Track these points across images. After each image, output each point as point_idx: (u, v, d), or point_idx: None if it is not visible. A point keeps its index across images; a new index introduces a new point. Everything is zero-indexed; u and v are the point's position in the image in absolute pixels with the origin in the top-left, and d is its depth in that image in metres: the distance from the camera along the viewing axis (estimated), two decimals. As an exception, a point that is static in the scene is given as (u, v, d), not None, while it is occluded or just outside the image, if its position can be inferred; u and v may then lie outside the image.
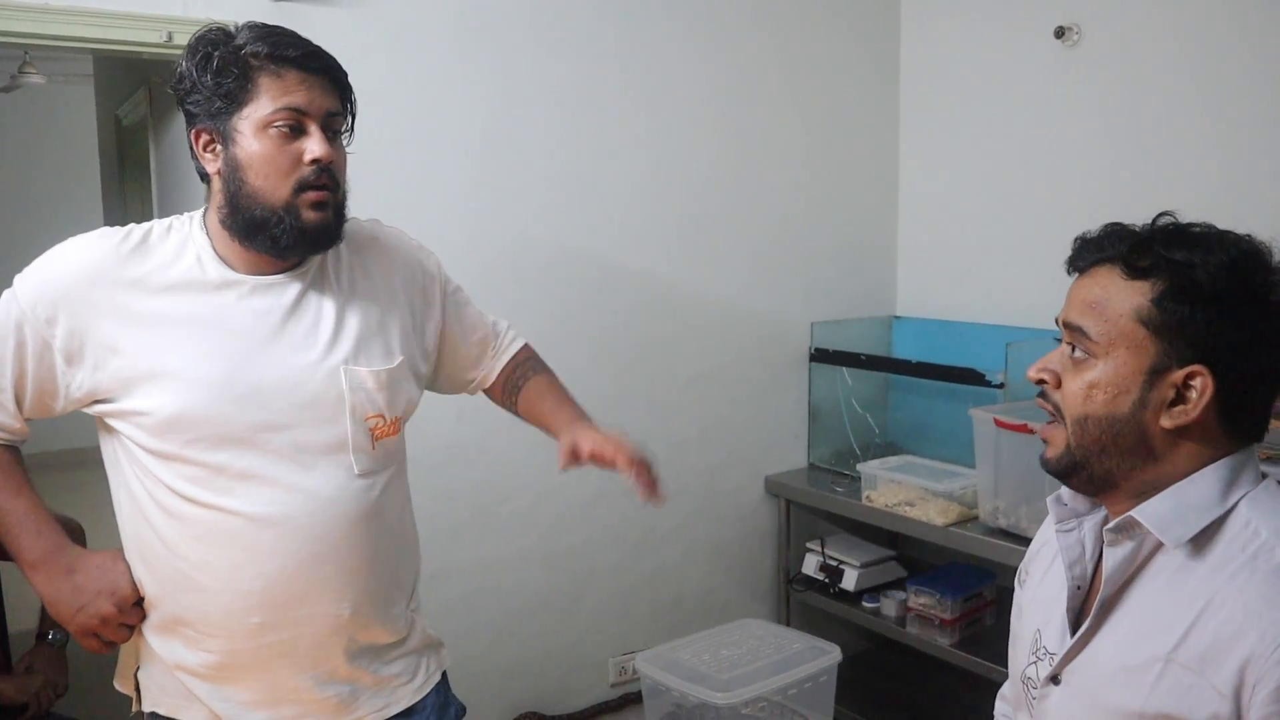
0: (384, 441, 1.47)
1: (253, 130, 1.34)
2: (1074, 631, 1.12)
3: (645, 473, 1.49)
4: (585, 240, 2.76)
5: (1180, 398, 1.02)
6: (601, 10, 2.71)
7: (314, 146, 1.35)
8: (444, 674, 1.63)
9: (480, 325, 1.70)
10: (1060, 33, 2.74)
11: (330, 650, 1.44)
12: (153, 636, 1.45)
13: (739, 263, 3.01)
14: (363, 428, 1.44)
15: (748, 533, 3.11)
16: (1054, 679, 1.13)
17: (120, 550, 1.46)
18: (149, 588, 1.44)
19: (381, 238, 1.58)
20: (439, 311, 1.62)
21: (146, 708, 1.49)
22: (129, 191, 4.08)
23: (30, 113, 6.03)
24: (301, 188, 1.35)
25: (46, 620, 2.19)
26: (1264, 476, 1.07)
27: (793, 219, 3.10)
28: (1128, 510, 1.06)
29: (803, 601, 3.07)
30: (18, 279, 1.38)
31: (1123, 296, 1.04)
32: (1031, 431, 2.28)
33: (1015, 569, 1.31)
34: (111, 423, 1.40)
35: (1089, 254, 1.08)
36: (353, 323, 1.46)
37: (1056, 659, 1.13)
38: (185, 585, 1.40)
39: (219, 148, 1.37)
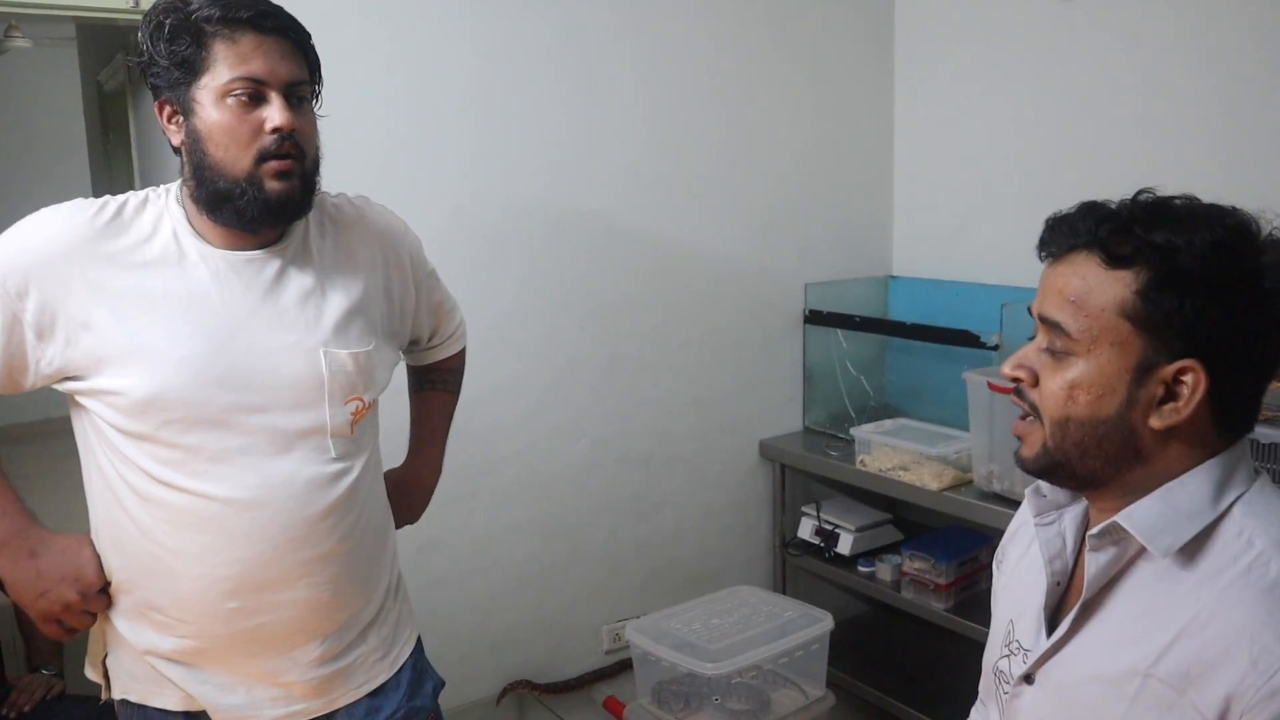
0: (361, 423, 1.44)
1: (211, 100, 1.29)
2: (1050, 630, 1.05)
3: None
4: (577, 203, 2.69)
5: (1170, 395, 0.93)
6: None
7: (274, 115, 1.30)
8: (418, 643, 1.61)
9: (439, 312, 1.69)
10: (1058, -16, 2.66)
11: (307, 633, 1.42)
12: (121, 622, 1.43)
13: (732, 224, 2.95)
14: (342, 411, 1.41)
15: (742, 498, 3.09)
16: (1028, 678, 1.07)
17: (87, 534, 1.43)
18: (120, 572, 1.41)
19: (369, 216, 1.53)
20: (413, 294, 1.59)
21: (116, 695, 1.46)
22: (114, 158, 4.02)
23: (17, 77, 5.95)
24: (263, 157, 1.30)
25: (38, 653, 2.20)
26: (1257, 474, 1.00)
27: (786, 178, 3.04)
28: (1112, 509, 0.98)
29: (798, 566, 3.05)
30: (22, 231, 1.33)
31: (1104, 288, 0.93)
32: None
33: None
34: (83, 401, 1.36)
35: (1063, 238, 0.98)
36: (334, 303, 1.42)
37: (1031, 657, 1.07)
38: (158, 570, 1.37)
39: (181, 119, 1.33)
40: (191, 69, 1.29)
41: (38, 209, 1.37)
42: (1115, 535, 0.97)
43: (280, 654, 1.41)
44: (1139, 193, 0.97)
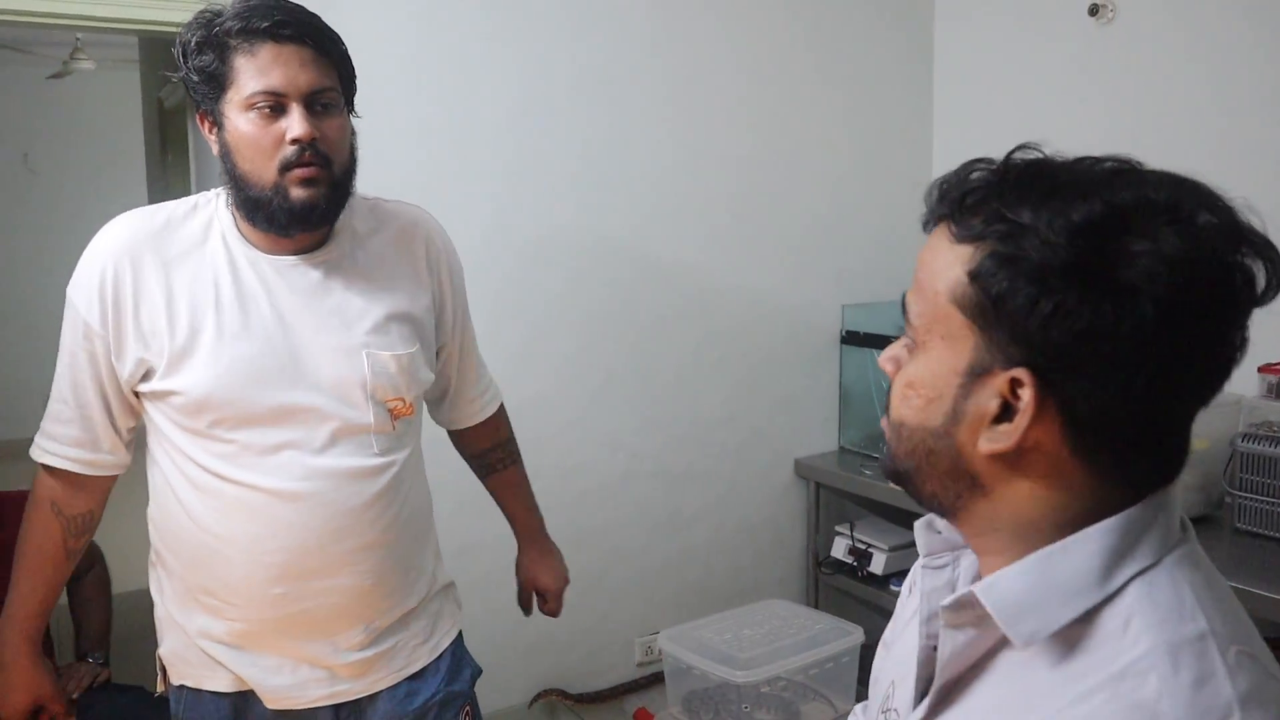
0: (402, 420, 1.49)
1: (236, 113, 1.34)
2: (916, 703, 0.84)
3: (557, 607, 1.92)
4: (616, 224, 2.76)
5: (1008, 412, 0.71)
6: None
7: (294, 126, 1.33)
8: (459, 634, 1.66)
9: (469, 354, 1.70)
10: (1094, 10, 2.69)
11: (350, 619, 1.47)
12: (175, 608, 1.49)
13: (770, 245, 3.00)
14: (383, 409, 1.46)
15: (776, 515, 3.11)
16: None
17: (37, 659, 1.51)
18: (175, 559, 1.47)
19: (422, 225, 1.57)
20: (450, 309, 1.61)
21: (175, 681, 1.52)
22: (171, 173, 4.15)
23: (82, 98, 6.15)
24: (286, 167, 1.34)
25: (87, 640, 2.26)
26: (1183, 540, 0.75)
27: (825, 201, 3.08)
28: (985, 555, 0.78)
29: (830, 584, 3.06)
30: (69, 288, 1.42)
31: (943, 267, 0.74)
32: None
33: None
34: (144, 400, 1.43)
35: (928, 206, 0.78)
36: (377, 305, 1.46)
37: None
38: (210, 557, 1.43)
39: (216, 131, 1.38)
40: (218, 83, 1.35)
41: (95, 222, 1.45)
42: (974, 611, 0.74)
43: (324, 638, 1.46)
44: (1017, 148, 0.76)
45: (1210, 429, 2.27)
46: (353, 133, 1.44)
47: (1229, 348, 0.70)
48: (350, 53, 1.43)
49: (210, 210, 1.44)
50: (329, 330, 1.42)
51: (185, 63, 1.37)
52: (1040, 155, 0.75)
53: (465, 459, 1.82)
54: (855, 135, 3.12)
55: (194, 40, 1.35)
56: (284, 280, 1.42)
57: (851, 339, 3.11)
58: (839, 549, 3.00)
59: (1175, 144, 2.60)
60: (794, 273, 3.05)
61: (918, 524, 0.86)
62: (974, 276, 0.71)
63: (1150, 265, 0.66)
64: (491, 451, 1.81)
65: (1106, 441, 0.71)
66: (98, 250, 1.41)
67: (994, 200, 0.71)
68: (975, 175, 0.74)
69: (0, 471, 2.37)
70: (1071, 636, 0.71)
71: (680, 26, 2.79)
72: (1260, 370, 2.27)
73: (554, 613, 1.92)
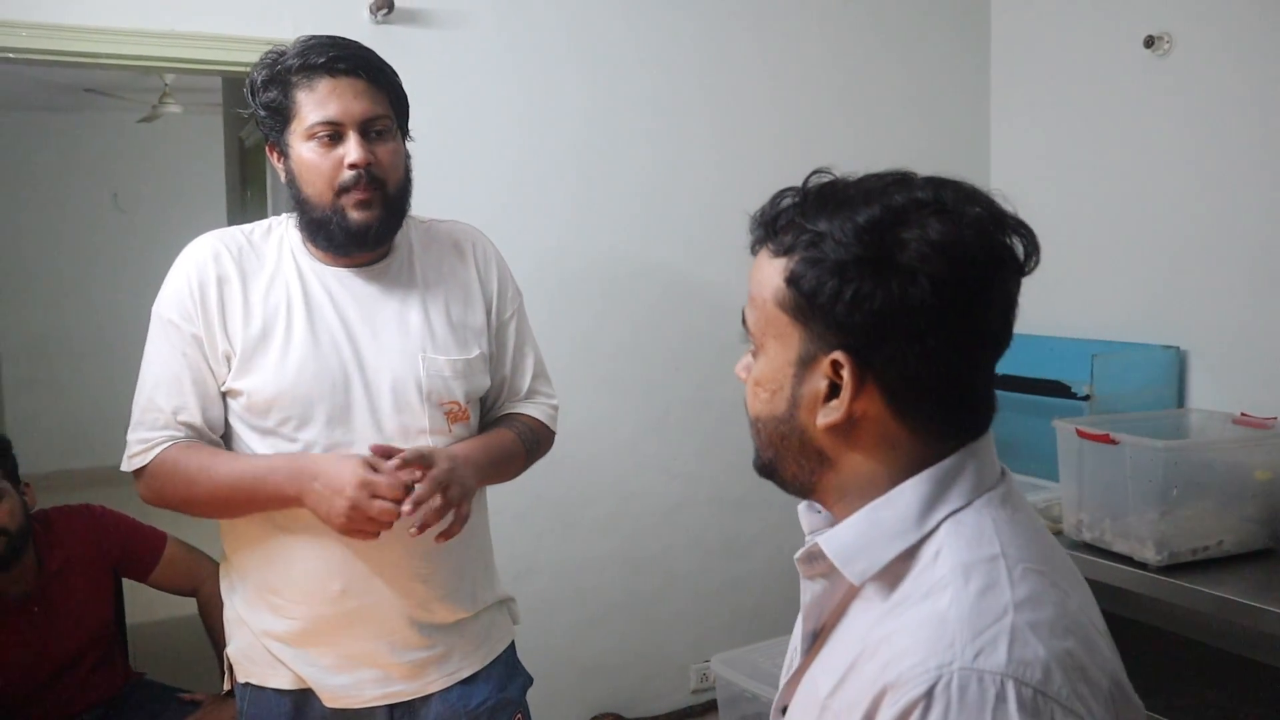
0: (458, 425, 1.57)
1: (299, 142, 1.47)
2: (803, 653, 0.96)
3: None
4: (675, 254, 2.84)
5: (836, 391, 0.84)
6: (683, 29, 2.80)
7: (351, 152, 1.45)
8: (512, 643, 1.71)
9: (523, 364, 1.69)
10: (1150, 42, 2.70)
11: (405, 618, 1.54)
12: (244, 607, 1.57)
13: (824, 275, 3.03)
14: (438, 412, 1.54)
15: (831, 544, 3.11)
16: (784, 709, 0.98)
17: (354, 455, 1.45)
18: (245, 558, 1.56)
19: (479, 246, 1.67)
20: (504, 330, 1.66)
21: (240, 679, 1.60)
22: (250, 207, 4.34)
23: (168, 140, 6.44)
24: (343, 190, 1.45)
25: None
26: (1000, 482, 0.88)
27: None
28: (840, 517, 0.89)
29: (886, 615, 3.05)
30: (155, 304, 1.52)
31: (765, 278, 0.88)
32: (1114, 442, 2.24)
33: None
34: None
35: (751, 233, 0.93)
36: (434, 314, 1.56)
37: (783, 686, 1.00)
38: (275, 554, 1.52)
39: (283, 160, 1.51)
40: (283, 116, 1.48)
41: (178, 257, 1.56)
42: (823, 562, 0.87)
43: (380, 637, 1.53)
44: (812, 174, 0.91)
45: (1274, 460, 2.25)
46: (407, 155, 1.55)
47: (1003, 309, 0.84)
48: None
49: (282, 230, 1.57)
50: (388, 335, 1.52)
51: (254, 99, 1.50)
52: (832, 177, 0.89)
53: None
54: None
55: (261, 79, 1.48)
56: (347, 290, 1.53)
57: (907, 369, 3.12)
58: (895, 579, 2.99)
59: (1229, 179, 2.59)
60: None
61: (800, 506, 0.99)
62: (790, 281, 0.85)
63: (919, 248, 0.80)
64: (514, 419, 1.68)
65: (920, 402, 0.84)
66: (185, 262, 1.52)
67: (797, 218, 0.86)
68: (784, 202, 0.89)
69: (89, 498, 2.50)
70: (897, 572, 0.84)
71: (732, 60, 2.88)
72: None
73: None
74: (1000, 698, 0.73)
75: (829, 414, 0.84)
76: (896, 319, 0.80)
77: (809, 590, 0.91)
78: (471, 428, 1.63)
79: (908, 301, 0.80)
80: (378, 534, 1.42)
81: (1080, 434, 2.39)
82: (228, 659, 1.62)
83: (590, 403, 2.69)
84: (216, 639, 2.27)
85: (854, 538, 0.85)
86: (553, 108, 2.65)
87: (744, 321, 0.94)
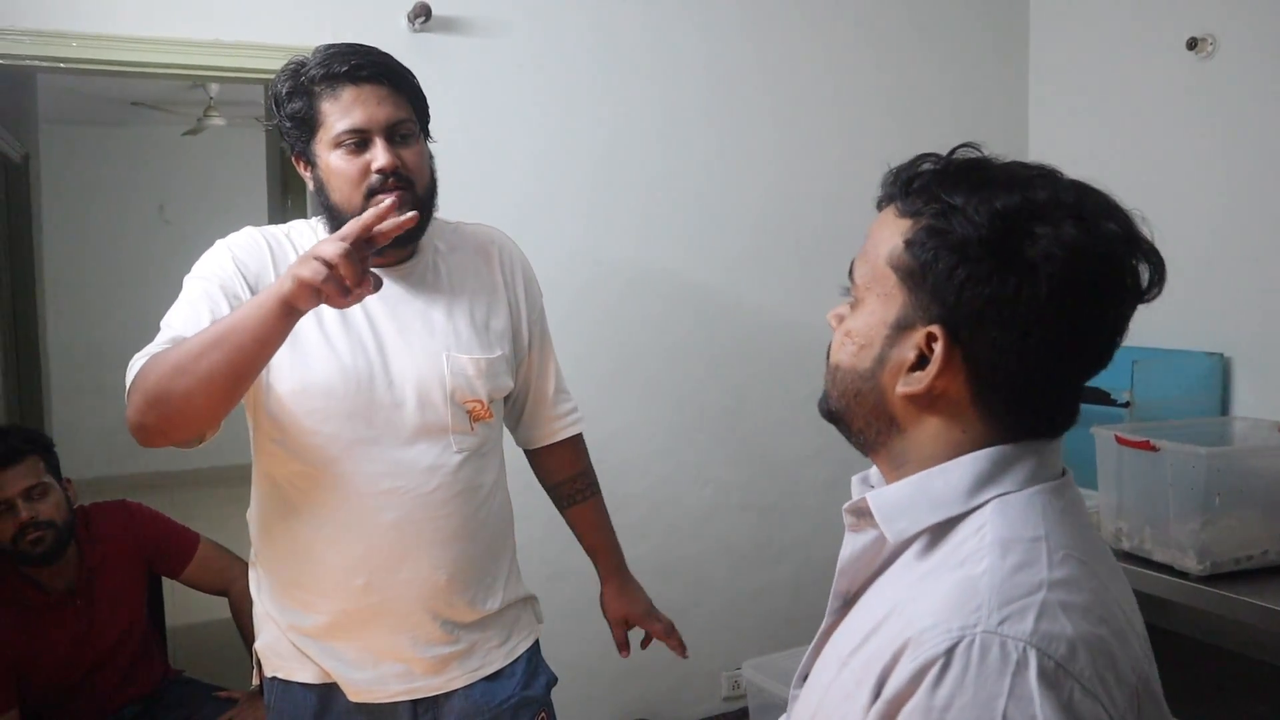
0: (482, 423, 1.58)
1: (326, 151, 1.47)
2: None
3: (675, 637, 1.87)
4: (710, 262, 2.84)
5: (923, 362, 0.84)
6: (695, 39, 2.81)
7: (378, 157, 1.45)
8: (537, 642, 1.72)
9: (547, 373, 1.74)
10: (1193, 44, 2.67)
11: (427, 613, 1.55)
12: (270, 602, 1.59)
13: (859, 281, 3.02)
14: (461, 410, 1.55)
15: (866, 553, 3.09)
16: (805, 677, 0.97)
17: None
18: (271, 552, 1.58)
19: (504, 249, 1.69)
20: (525, 323, 1.68)
21: (268, 673, 1.61)
22: (291, 215, 4.40)
23: (212, 152, 6.57)
24: (371, 193, 1.46)
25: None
26: (1063, 475, 0.87)
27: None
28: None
29: (921, 625, 3.02)
30: (190, 273, 1.50)
31: (885, 236, 0.87)
32: (1155, 449, 2.21)
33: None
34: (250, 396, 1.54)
35: (884, 189, 0.92)
36: (459, 314, 1.57)
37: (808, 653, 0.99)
38: (300, 549, 1.53)
39: (310, 169, 1.51)
40: (309, 126, 1.48)
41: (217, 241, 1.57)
42: (870, 517, 0.88)
43: (402, 631, 1.54)
44: (959, 146, 0.90)
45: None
46: (430, 156, 1.57)
47: (1111, 331, 0.84)
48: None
49: (311, 231, 1.58)
50: (413, 334, 1.53)
51: (279, 110, 1.51)
52: (980, 154, 0.88)
53: (545, 489, 1.86)
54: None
55: (285, 90, 1.49)
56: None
57: (943, 377, 3.09)
58: (930, 589, 2.96)
59: (1275, 180, 2.55)
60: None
61: (854, 478, 0.98)
62: (908, 244, 0.84)
63: (1048, 247, 0.78)
64: (571, 482, 1.83)
65: (1001, 392, 0.83)
66: (226, 243, 1.53)
67: (934, 185, 0.84)
68: (923, 166, 0.88)
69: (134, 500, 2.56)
70: (936, 538, 0.84)
71: (778, 69, 2.88)
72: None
73: (677, 647, 1.91)
74: (1021, 664, 0.72)
75: (911, 383, 0.85)
76: (1004, 309, 0.80)
77: (851, 544, 0.91)
78: (495, 430, 1.64)
79: (1021, 295, 0.79)
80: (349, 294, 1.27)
81: (1120, 440, 2.35)
82: (256, 653, 1.64)
83: (624, 410, 2.70)
84: (247, 636, 2.28)
85: (901, 498, 0.86)
86: (585, 115, 2.67)
87: (850, 273, 0.94)
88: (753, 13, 2.84)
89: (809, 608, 3.01)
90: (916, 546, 0.85)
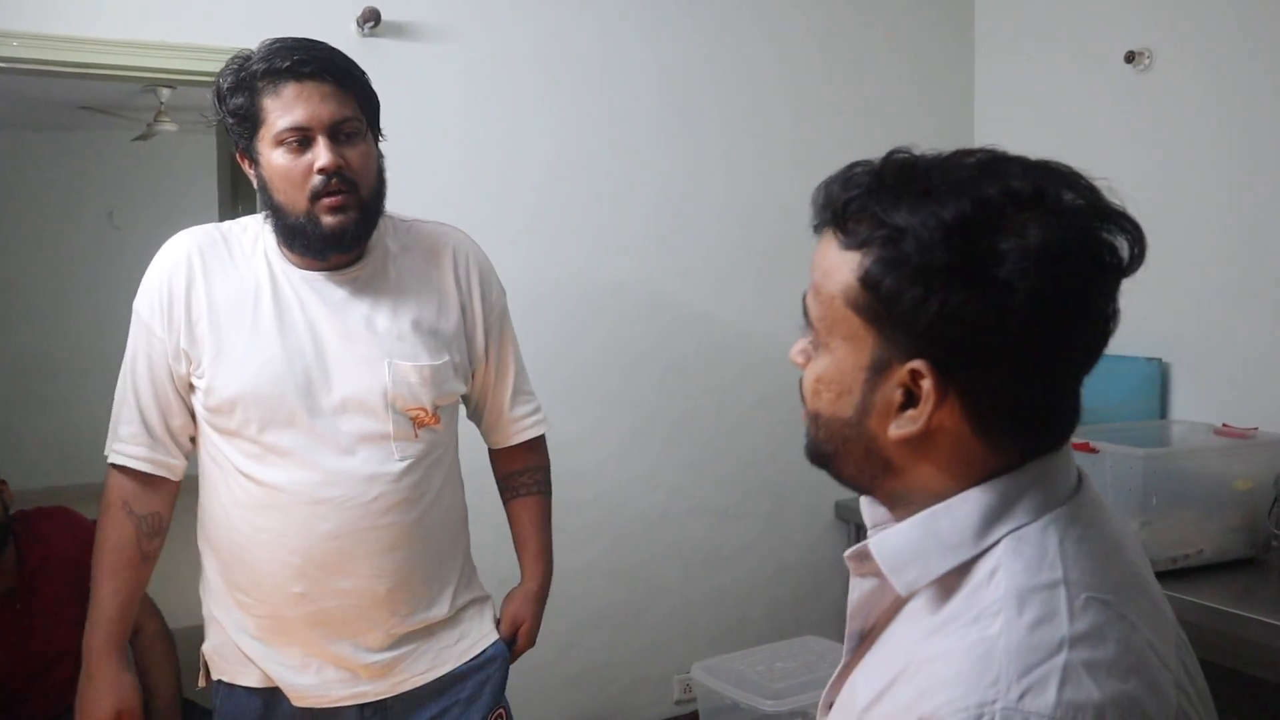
0: (427, 429, 1.55)
1: (269, 149, 1.44)
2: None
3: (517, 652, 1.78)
4: (661, 270, 2.85)
5: (912, 400, 0.77)
6: (646, 47, 2.83)
7: (320, 157, 1.42)
8: (496, 641, 1.69)
9: (506, 373, 1.72)
10: (1131, 57, 2.73)
11: (369, 622, 1.53)
12: (216, 606, 1.57)
13: (809, 287, 3.05)
14: (403, 418, 1.52)
15: (816, 557, 3.12)
16: (830, 704, 0.93)
17: (123, 666, 1.57)
18: (215, 556, 1.56)
19: (460, 249, 1.64)
20: (481, 325, 1.65)
21: (214, 676, 1.60)
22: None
23: (162, 157, 6.49)
24: (315, 195, 1.43)
25: (158, 710, 2.31)
26: (1078, 487, 0.81)
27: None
28: (897, 519, 0.83)
29: (871, 628, 3.05)
30: (135, 302, 1.53)
31: (836, 273, 0.79)
32: (1094, 450, 2.25)
33: None
34: (193, 400, 1.53)
35: (815, 210, 0.83)
36: (404, 319, 1.54)
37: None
38: (241, 554, 1.51)
39: (253, 167, 1.48)
40: (252, 123, 1.45)
41: (156, 254, 1.56)
42: (872, 562, 0.81)
43: (345, 638, 1.52)
44: (891, 153, 0.81)
45: (1254, 470, 2.25)
46: (380, 156, 1.53)
47: (1102, 316, 0.77)
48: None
49: (257, 228, 1.55)
50: (355, 340, 1.50)
51: (222, 106, 1.47)
52: (912, 157, 0.79)
53: (496, 481, 1.81)
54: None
55: (227, 85, 1.46)
56: (316, 293, 1.51)
57: (893, 382, 3.13)
58: (880, 592, 2.99)
59: (1209, 189, 2.61)
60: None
61: (862, 499, 0.90)
62: (864, 283, 0.76)
63: (1018, 262, 0.71)
64: (521, 474, 1.78)
65: (1004, 418, 0.76)
66: (161, 261, 1.52)
67: (873, 205, 0.76)
68: (854, 178, 0.79)
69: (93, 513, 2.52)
70: (949, 585, 0.77)
71: (730, 77, 2.91)
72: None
73: (519, 649, 1.79)
74: None
75: (904, 425, 0.77)
76: (989, 334, 0.73)
77: (858, 588, 0.85)
78: (443, 436, 1.61)
79: (1004, 317, 0.72)
80: None
81: (1075, 446, 2.40)
82: (203, 656, 1.62)
83: (577, 417, 2.70)
84: (151, 689, 2.25)
85: (906, 545, 0.79)
86: (536, 124, 2.68)
87: (804, 309, 0.84)
88: (703, 20, 2.87)
89: (760, 612, 3.03)
90: (928, 593, 0.79)
